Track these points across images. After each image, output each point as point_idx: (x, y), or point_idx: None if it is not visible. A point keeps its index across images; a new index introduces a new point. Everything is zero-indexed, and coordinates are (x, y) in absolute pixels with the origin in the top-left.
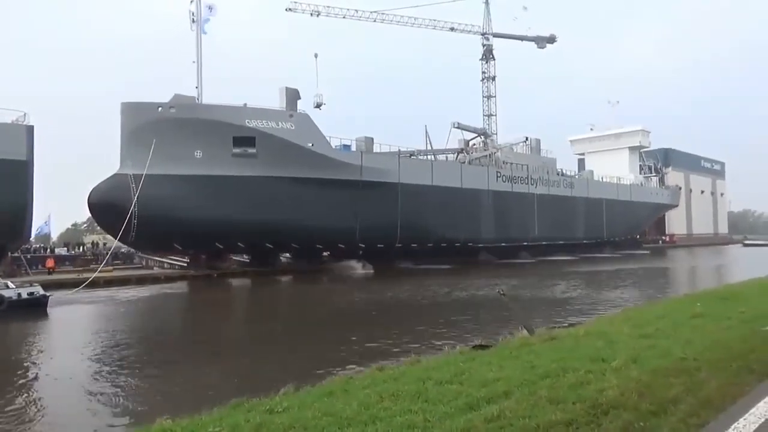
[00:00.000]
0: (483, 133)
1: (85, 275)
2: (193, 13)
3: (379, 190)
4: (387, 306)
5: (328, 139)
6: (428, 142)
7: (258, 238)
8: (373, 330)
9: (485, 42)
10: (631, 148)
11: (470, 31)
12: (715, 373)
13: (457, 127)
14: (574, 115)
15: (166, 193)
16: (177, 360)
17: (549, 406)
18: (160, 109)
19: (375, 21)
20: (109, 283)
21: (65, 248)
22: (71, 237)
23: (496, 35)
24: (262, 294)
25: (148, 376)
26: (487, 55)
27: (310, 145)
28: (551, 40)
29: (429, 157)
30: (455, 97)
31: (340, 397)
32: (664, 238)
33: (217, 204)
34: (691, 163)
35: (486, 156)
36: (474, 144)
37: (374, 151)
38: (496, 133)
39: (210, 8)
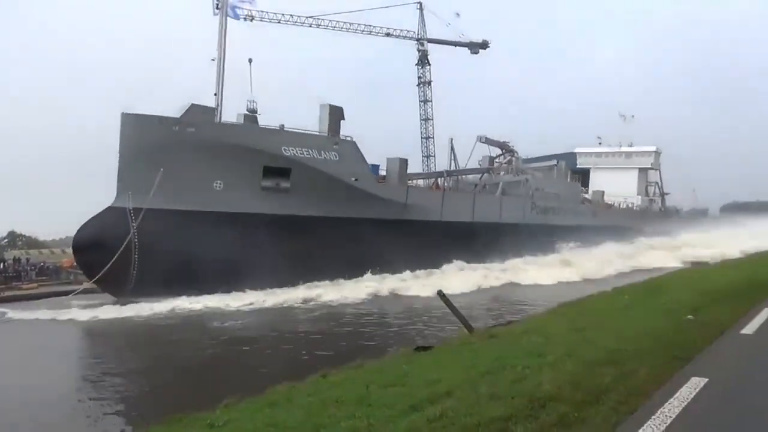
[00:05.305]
0: (507, 148)
1: (6, 293)
2: None
3: (422, 229)
4: None
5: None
6: (453, 158)
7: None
8: None
9: (420, 47)
10: (641, 170)
11: (405, 36)
12: (642, 362)
13: (483, 142)
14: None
15: (175, 232)
16: None
17: (489, 402)
18: (176, 128)
19: (311, 26)
20: None
21: None
22: None
23: (430, 41)
24: None
25: None
26: (423, 60)
27: (354, 180)
28: (484, 45)
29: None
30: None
31: (283, 406)
32: None
33: (238, 247)
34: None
35: (518, 181)
36: (499, 163)
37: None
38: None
39: None
